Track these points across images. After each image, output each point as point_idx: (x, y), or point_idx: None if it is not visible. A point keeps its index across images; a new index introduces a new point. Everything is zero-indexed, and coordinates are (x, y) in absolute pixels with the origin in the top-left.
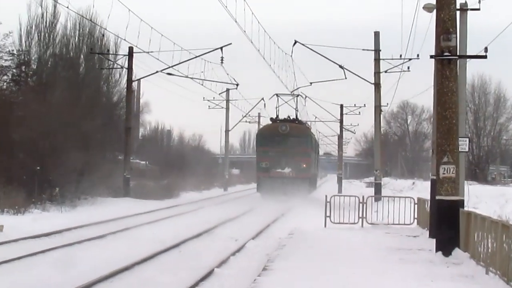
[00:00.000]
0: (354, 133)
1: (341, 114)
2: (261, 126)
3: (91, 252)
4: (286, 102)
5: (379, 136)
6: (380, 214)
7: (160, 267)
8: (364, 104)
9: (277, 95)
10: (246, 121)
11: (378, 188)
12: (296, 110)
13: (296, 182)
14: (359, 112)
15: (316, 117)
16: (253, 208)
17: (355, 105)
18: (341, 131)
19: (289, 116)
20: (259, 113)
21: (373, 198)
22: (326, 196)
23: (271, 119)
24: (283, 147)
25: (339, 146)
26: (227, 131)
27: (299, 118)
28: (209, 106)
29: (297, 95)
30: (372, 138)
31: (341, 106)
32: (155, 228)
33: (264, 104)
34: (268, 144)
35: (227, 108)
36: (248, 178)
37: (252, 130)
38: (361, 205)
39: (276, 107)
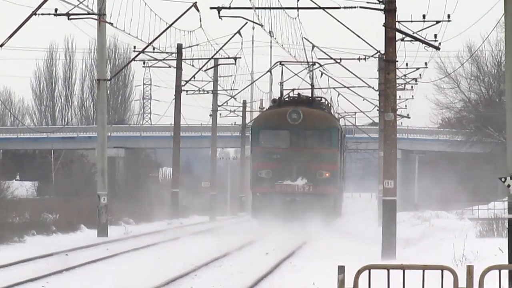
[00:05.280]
0: (438, 49)
1: None
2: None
3: None
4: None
5: None
6: None
7: None
8: None
9: (281, 63)
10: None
11: None
12: (312, 85)
13: (314, 201)
14: None
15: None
16: None
17: None
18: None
19: (299, 94)
20: (261, 99)
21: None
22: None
23: (273, 101)
24: (293, 145)
25: (384, 100)
26: None
27: (318, 97)
28: None
29: (313, 63)
30: (498, 60)
31: None
32: None
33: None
34: (269, 141)
35: None
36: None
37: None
38: None
39: (281, 83)
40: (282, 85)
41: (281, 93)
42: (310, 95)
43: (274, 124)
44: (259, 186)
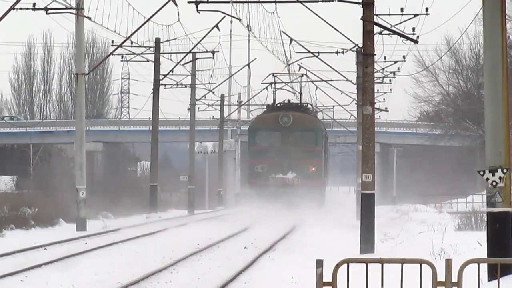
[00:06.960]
0: (416, 43)
1: None
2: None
3: None
4: (286, 83)
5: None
6: None
7: None
8: None
9: (273, 75)
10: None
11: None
12: (300, 93)
13: (302, 192)
14: None
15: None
16: None
17: None
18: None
19: (289, 100)
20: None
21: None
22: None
23: (267, 106)
24: (285, 145)
25: (362, 94)
26: None
27: (305, 103)
28: None
29: (301, 75)
30: (476, 53)
31: None
32: None
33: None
34: (264, 141)
35: None
36: None
37: None
38: None
39: (273, 91)
40: (275, 93)
41: (274, 100)
42: (298, 102)
43: (268, 126)
44: (256, 179)
